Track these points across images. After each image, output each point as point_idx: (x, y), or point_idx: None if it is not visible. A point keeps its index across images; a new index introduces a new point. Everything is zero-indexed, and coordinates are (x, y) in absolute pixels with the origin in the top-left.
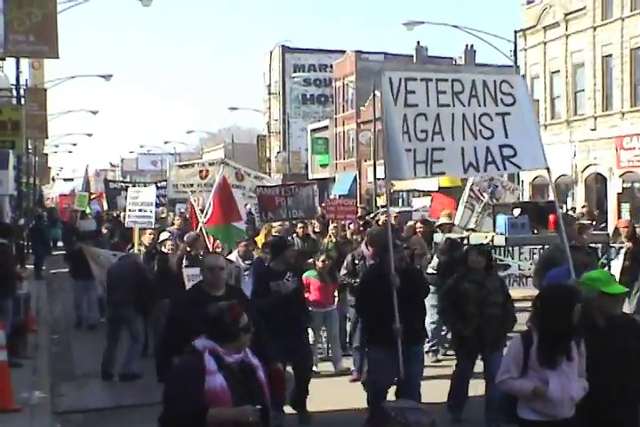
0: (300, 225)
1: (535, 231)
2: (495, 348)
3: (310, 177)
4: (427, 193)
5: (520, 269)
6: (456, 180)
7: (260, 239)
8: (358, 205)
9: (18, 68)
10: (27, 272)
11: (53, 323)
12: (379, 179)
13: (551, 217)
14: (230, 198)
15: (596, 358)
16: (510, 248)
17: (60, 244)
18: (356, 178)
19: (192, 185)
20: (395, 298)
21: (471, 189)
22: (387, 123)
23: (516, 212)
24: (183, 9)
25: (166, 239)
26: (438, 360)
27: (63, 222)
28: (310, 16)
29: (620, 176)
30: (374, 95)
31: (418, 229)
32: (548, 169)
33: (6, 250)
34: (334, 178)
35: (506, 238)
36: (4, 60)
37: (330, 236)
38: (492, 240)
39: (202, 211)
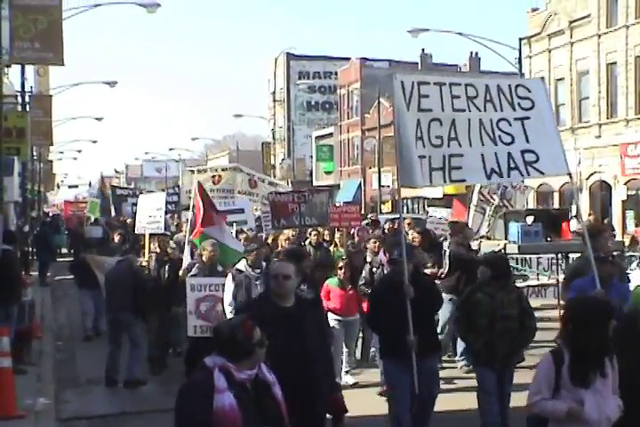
0: (313, 233)
1: (549, 239)
2: (508, 363)
3: (315, 184)
4: (432, 200)
5: (539, 280)
6: (460, 187)
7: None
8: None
9: (23, 74)
10: (31, 279)
11: (58, 330)
12: (383, 186)
13: (564, 225)
14: (209, 205)
15: None
16: (528, 257)
17: (64, 250)
18: (360, 185)
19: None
20: (409, 309)
21: (480, 193)
22: (399, 128)
23: (530, 219)
24: (188, 16)
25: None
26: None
27: (68, 229)
28: (315, 23)
29: (625, 184)
30: (379, 102)
31: (413, 238)
32: (570, 175)
33: (11, 256)
34: (339, 185)
35: (519, 247)
36: (9, 66)
37: (336, 244)
38: (505, 248)
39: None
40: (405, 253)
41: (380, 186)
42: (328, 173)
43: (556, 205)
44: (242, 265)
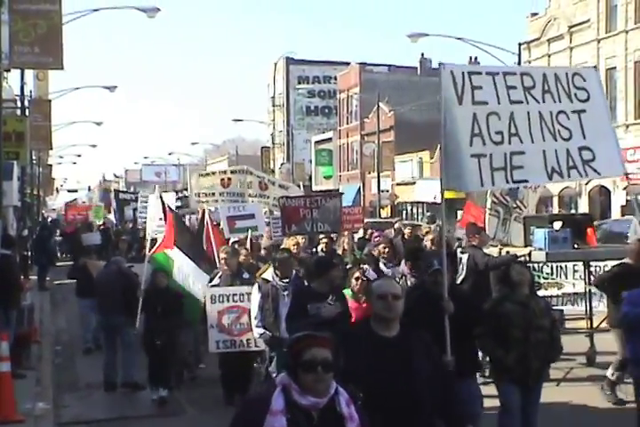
0: (323, 240)
1: (576, 246)
2: (539, 378)
3: (314, 189)
4: (431, 205)
5: (574, 288)
6: (459, 191)
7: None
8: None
9: (22, 79)
10: (30, 283)
11: (57, 334)
12: (382, 191)
13: (589, 230)
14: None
15: None
16: (563, 265)
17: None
18: (359, 190)
19: (213, 194)
20: (447, 326)
21: (494, 195)
22: (448, 124)
23: (557, 225)
24: (188, 21)
25: None
26: None
27: (66, 234)
28: (315, 28)
29: (624, 189)
30: (378, 107)
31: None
32: (627, 175)
33: (10, 261)
34: (338, 190)
35: (546, 254)
36: (8, 71)
37: (344, 250)
38: (530, 255)
39: (218, 224)
40: (446, 263)
41: (379, 191)
42: (327, 177)
43: (556, 211)
44: (269, 274)
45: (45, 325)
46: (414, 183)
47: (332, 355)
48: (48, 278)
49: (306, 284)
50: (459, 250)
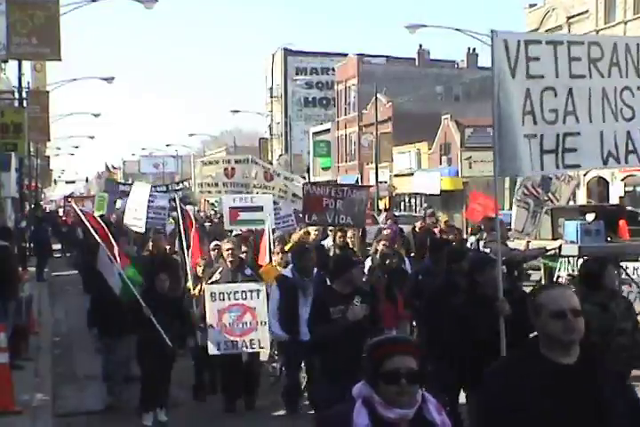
0: (339, 233)
1: (609, 239)
2: None
3: (312, 180)
4: (429, 197)
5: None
6: (458, 182)
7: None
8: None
9: (20, 70)
10: (28, 274)
11: (55, 325)
12: (380, 182)
13: (621, 223)
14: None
15: None
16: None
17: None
18: (357, 181)
19: (217, 184)
20: (503, 331)
21: (524, 186)
22: (500, 101)
23: (590, 217)
24: (185, 12)
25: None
26: None
27: (59, 226)
28: (312, 19)
29: (622, 180)
30: (376, 98)
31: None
32: None
33: (8, 252)
34: (336, 181)
35: (579, 248)
36: (6, 62)
37: (347, 245)
38: (560, 249)
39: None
40: (500, 262)
41: (377, 182)
42: (325, 168)
43: (581, 201)
44: (288, 271)
45: (44, 316)
46: (412, 174)
47: (418, 363)
48: (46, 270)
49: (329, 283)
50: (481, 243)
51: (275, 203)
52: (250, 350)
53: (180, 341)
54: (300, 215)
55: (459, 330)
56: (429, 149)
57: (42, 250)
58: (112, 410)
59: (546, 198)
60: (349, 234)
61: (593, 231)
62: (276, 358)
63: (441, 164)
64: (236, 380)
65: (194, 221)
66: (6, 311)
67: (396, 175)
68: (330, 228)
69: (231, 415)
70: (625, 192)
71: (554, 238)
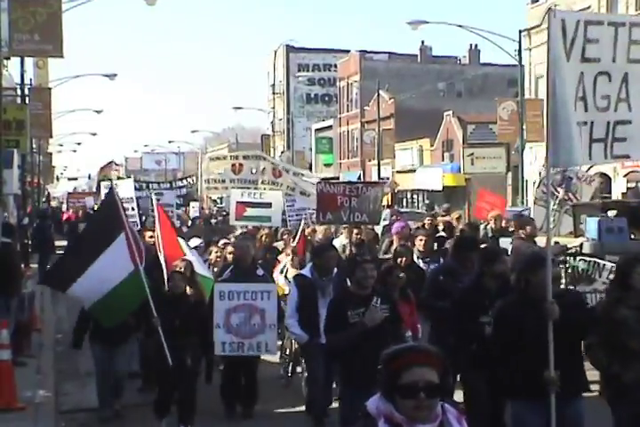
0: (355, 231)
1: (633, 236)
2: None
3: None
4: (431, 193)
5: None
6: (460, 179)
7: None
8: None
9: (22, 67)
10: (31, 271)
11: (57, 322)
12: (382, 178)
13: None
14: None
15: None
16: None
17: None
18: (360, 177)
19: (224, 181)
20: (550, 335)
21: (544, 185)
22: (555, 87)
23: (612, 213)
24: (188, 8)
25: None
26: None
27: (65, 222)
28: (314, 16)
29: (625, 176)
30: (378, 95)
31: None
32: None
33: (10, 249)
34: (338, 178)
35: (601, 245)
36: (8, 59)
37: (364, 242)
38: (581, 247)
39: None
40: (550, 261)
41: (379, 178)
42: (327, 165)
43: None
44: (307, 270)
45: (46, 313)
46: (414, 171)
47: (439, 375)
48: (49, 266)
49: (349, 284)
50: (508, 241)
51: (288, 195)
52: (256, 354)
53: (201, 355)
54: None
55: (502, 334)
56: (432, 145)
57: (44, 247)
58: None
59: (566, 198)
60: (355, 231)
61: (615, 228)
62: (287, 359)
63: (443, 160)
64: (236, 384)
65: (169, 222)
66: (9, 308)
67: (398, 172)
68: (341, 227)
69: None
70: (627, 188)
71: (577, 236)
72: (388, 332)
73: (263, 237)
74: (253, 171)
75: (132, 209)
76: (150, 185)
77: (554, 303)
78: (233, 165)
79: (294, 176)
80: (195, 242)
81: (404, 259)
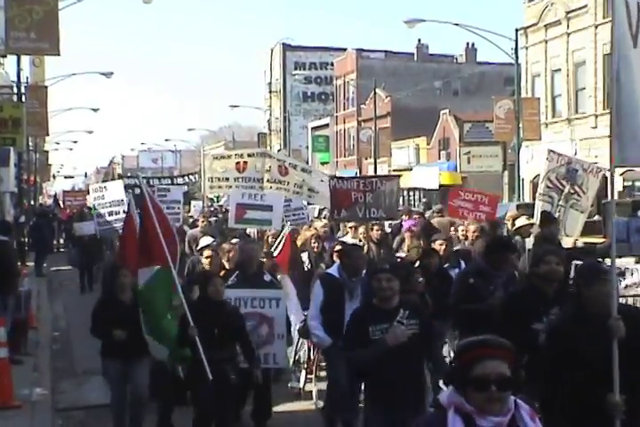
0: (375, 228)
1: None
2: None
3: None
4: (427, 191)
5: None
6: (457, 178)
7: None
8: None
9: (19, 65)
10: (27, 269)
11: (54, 320)
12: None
13: None
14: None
15: None
16: None
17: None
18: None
19: (228, 179)
20: (615, 354)
21: (548, 178)
22: (622, 76)
23: None
24: (184, 6)
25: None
26: None
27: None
28: (311, 14)
29: (621, 175)
30: (375, 93)
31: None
32: None
33: (7, 247)
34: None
35: (629, 247)
36: (4, 57)
37: (384, 240)
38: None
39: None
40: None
41: None
42: (324, 163)
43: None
44: (334, 269)
45: (43, 311)
46: (411, 169)
47: (510, 368)
48: (45, 265)
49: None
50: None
51: (295, 193)
52: (263, 366)
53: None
54: (310, 209)
55: (554, 350)
56: (428, 144)
57: (40, 245)
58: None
59: (572, 191)
60: (361, 230)
61: None
62: (302, 365)
63: (439, 159)
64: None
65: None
66: (6, 306)
67: (394, 170)
68: (349, 224)
69: None
70: (623, 187)
71: (605, 236)
72: (419, 350)
73: (270, 239)
74: (258, 169)
75: (123, 212)
76: (151, 181)
77: (619, 320)
78: (237, 163)
79: (303, 173)
80: (206, 240)
81: (431, 261)
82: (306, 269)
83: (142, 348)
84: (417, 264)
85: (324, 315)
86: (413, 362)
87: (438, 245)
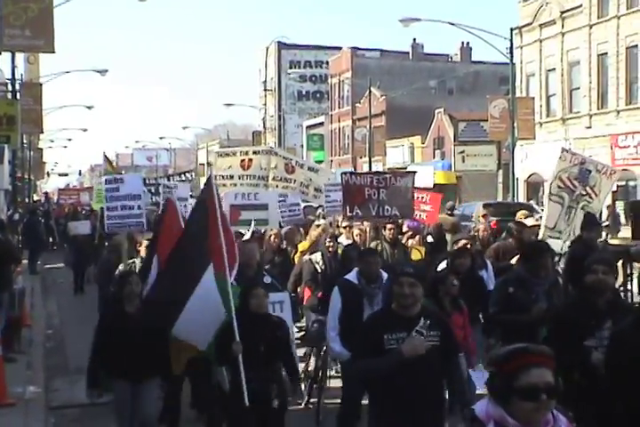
0: (389, 226)
1: None
2: None
3: None
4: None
5: None
6: (451, 177)
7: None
8: None
9: (13, 62)
10: (21, 267)
11: (47, 318)
12: None
13: None
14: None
15: None
16: None
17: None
18: None
19: (232, 177)
20: None
21: (560, 178)
22: None
23: None
24: (179, 4)
25: None
26: None
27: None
28: (306, 12)
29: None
30: (370, 92)
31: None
32: None
33: (1, 244)
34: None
35: None
36: None
37: (399, 241)
38: (629, 252)
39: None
40: None
41: None
42: (319, 162)
43: None
44: (353, 275)
45: (36, 309)
46: (406, 168)
47: (554, 376)
48: (39, 262)
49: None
50: (566, 244)
51: (302, 192)
52: None
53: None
54: (319, 207)
55: (617, 364)
56: (423, 142)
57: (34, 243)
58: (104, 403)
59: (583, 193)
60: (356, 231)
61: None
62: (306, 375)
63: (434, 158)
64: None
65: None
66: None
67: (389, 169)
68: (343, 224)
69: None
70: (617, 186)
71: (634, 238)
72: (439, 365)
73: (271, 238)
74: (263, 166)
75: (138, 208)
76: (148, 181)
77: None
78: (242, 160)
79: (309, 171)
80: None
81: (462, 261)
82: (319, 270)
83: (151, 370)
84: (449, 265)
85: (341, 324)
86: (431, 379)
87: (463, 246)
